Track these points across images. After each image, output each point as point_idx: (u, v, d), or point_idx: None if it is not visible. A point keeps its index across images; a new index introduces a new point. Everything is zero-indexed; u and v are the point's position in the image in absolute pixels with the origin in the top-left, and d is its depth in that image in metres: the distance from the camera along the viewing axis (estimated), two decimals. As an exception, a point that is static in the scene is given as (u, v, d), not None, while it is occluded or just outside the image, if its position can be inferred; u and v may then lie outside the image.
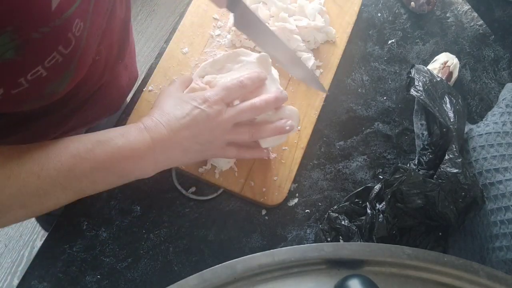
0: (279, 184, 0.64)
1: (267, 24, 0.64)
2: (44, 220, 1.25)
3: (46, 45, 0.42)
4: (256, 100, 0.56)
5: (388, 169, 0.67)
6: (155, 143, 0.51)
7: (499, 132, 0.61)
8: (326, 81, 0.70)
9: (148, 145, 0.51)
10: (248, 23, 0.59)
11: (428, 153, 0.62)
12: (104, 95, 0.65)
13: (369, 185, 0.63)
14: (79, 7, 0.43)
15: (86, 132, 0.82)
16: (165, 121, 0.52)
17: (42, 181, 0.46)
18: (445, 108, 0.63)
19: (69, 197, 0.49)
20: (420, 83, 0.64)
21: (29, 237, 1.47)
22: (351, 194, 0.64)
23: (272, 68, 0.61)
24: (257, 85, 0.57)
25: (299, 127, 0.67)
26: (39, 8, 0.38)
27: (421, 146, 0.65)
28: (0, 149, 0.45)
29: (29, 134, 0.58)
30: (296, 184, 0.66)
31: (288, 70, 0.66)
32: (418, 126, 0.68)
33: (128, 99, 0.71)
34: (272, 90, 0.58)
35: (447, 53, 0.73)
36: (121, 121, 0.67)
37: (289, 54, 0.63)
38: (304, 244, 0.62)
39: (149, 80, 0.68)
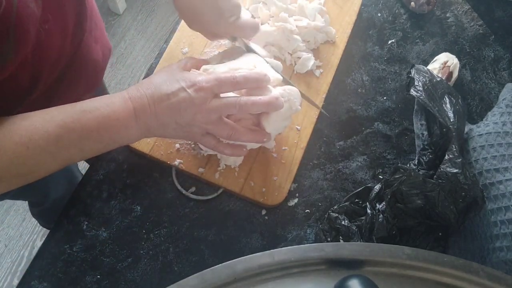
0: (279, 184, 0.64)
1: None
2: (43, 217, 1.25)
3: None
4: (243, 99, 0.55)
5: (388, 169, 0.67)
6: (137, 113, 0.52)
7: (499, 132, 0.61)
8: (326, 81, 0.70)
9: (131, 115, 0.52)
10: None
11: (428, 153, 0.62)
12: (79, 71, 0.65)
13: (369, 185, 0.63)
14: None
15: None
16: (150, 94, 0.53)
17: (31, 152, 0.48)
18: (445, 108, 0.63)
19: (59, 164, 0.51)
20: (420, 83, 0.64)
21: (29, 237, 1.47)
22: (351, 194, 0.64)
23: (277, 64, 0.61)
24: (253, 86, 0.56)
25: (299, 127, 0.67)
26: None
27: (421, 146, 0.65)
28: None
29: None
30: (296, 184, 0.66)
31: None
32: (418, 126, 0.68)
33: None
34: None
35: (447, 53, 0.73)
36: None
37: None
38: (304, 244, 0.62)
39: (149, 80, 0.68)
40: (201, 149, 0.64)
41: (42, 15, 0.50)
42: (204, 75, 0.55)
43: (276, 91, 0.57)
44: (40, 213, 1.22)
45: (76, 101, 0.52)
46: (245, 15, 0.62)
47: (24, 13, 0.46)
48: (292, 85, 0.59)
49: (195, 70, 0.58)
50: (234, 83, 0.55)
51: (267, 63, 0.60)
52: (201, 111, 0.54)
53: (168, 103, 0.53)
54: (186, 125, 0.55)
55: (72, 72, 0.63)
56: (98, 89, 0.77)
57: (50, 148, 0.49)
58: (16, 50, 0.48)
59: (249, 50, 0.63)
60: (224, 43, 0.71)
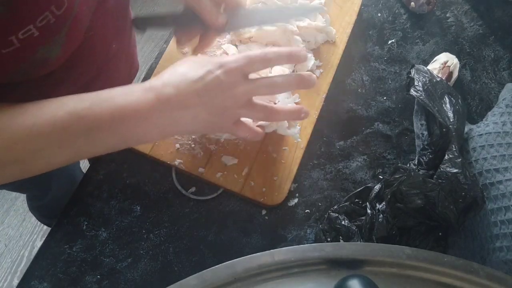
0: (279, 184, 0.64)
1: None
2: (40, 212, 1.25)
3: (39, 3, 0.41)
4: (278, 78, 0.51)
5: (388, 169, 0.67)
6: (161, 103, 0.47)
7: (499, 132, 0.61)
8: (326, 81, 0.70)
9: (153, 105, 0.47)
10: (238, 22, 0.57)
11: (428, 153, 0.62)
12: (105, 82, 0.64)
13: (369, 185, 0.63)
14: None
15: None
16: (175, 82, 0.48)
17: (34, 137, 0.43)
18: (444, 108, 0.63)
19: (66, 156, 0.46)
20: (420, 83, 0.64)
21: (29, 237, 1.47)
22: (351, 194, 0.64)
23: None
24: (287, 62, 0.53)
25: (299, 127, 0.67)
26: None
27: (421, 146, 0.65)
28: None
29: None
30: (296, 184, 0.66)
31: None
32: (418, 126, 0.68)
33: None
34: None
35: (447, 53, 0.73)
36: (121, 121, 0.67)
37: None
38: (304, 244, 0.62)
39: (149, 80, 0.68)
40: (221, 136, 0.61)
41: (89, 24, 0.51)
42: (229, 56, 0.51)
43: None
44: (38, 207, 1.22)
45: None
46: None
47: (79, 19, 0.47)
48: None
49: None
50: (265, 60, 0.50)
51: None
52: (232, 95, 0.49)
53: (195, 88, 0.47)
54: (216, 113, 0.49)
55: (96, 84, 0.62)
56: None
57: (55, 135, 0.44)
58: (64, 48, 0.47)
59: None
60: (223, 44, 0.71)
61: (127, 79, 0.71)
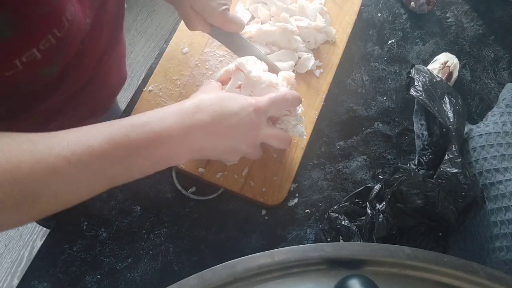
0: (279, 184, 0.64)
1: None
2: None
3: (42, 27, 0.42)
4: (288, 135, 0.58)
5: (388, 169, 0.67)
6: (194, 129, 0.49)
7: (499, 132, 0.61)
8: (326, 81, 0.70)
9: (187, 131, 0.48)
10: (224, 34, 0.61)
11: (428, 153, 0.62)
12: (94, 91, 0.65)
13: (369, 185, 0.63)
14: None
15: None
16: (210, 110, 0.50)
17: (73, 167, 0.42)
18: (444, 108, 0.63)
19: (102, 184, 0.46)
20: (420, 83, 0.64)
21: (29, 237, 1.47)
22: (351, 194, 0.64)
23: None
24: (295, 104, 0.57)
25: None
26: None
27: (421, 146, 0.65)
28: (26, 135, 0.42)
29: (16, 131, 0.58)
30: (296, 184, 0.66)
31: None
32: (418, 126, 0.68)
33: (128, 99, 0.71)
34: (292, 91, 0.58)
35: (447, 53, 0.73)
36: (121, 121, 0.67)
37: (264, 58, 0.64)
38: (304, 244, 0.62)
39: (149, 80, 0.68)
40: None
41: (83, 37, 0.52)
42: (257, 98, 0.54)
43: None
44: None
45: (85, 121, 0.49)
46: (242, 14, 0.62)
47: (77, 36, 0.48)
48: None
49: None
50: (284, 102, 0.55)
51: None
52: (257, 134, 0.54)
53: (229, 123, 0.50)
54: (240, 145, 0.53)
55: (85, 90, 0.62)
56: (108, 111, 0.77)
57: (94, 165, 0.43)
58: (60, 64, 0.48)
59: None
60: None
61: (116, 88, 0.74)
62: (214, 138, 0.51)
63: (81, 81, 0.60)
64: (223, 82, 0.60)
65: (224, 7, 0.59)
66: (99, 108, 0.72)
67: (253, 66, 0.59)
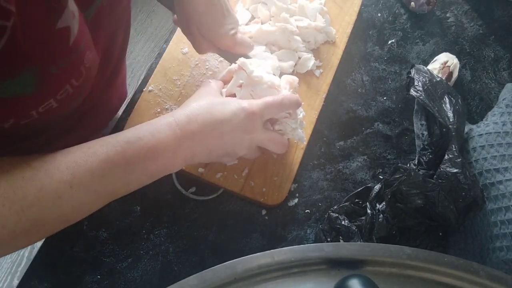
0: (279, 184, 0.64)
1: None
2: None
3: (61, 79, 0.42)
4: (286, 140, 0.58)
5: (388, 169, 0.67)
6: (186, 139, 0.50)
7: (499, 132, 0.61)
8: (326, 81, 0.70)
9: (180, 141, 0.50)
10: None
11: (428, 153, 0.62)
12: (94, 116, 0.66)
13: (369, 185, 0.63)
14: (87, 38, 0.44)
15: None
16: (200, 119, 0.51)
17: (75, 190, 0.44)
18: (444, 108, 0.63)
19: (103, 201, 0.48)
20: (420, 83, 0.64)
21: (29, 237, 1.47)
22: (351, 194, 0.63)
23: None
24: (294, 108, 0.57)
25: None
26: (59, 45, 0.39)
27: (421, 146, 0.65)
28: (25, 160, 0.43)
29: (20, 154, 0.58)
30: (296, 184, 0.66)
31: None
32: (418, 126, 0.68)
33: (128, 99, 0.71)
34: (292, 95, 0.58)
35: (447, 53, 0.73)
36: (121, 121, 0.66)
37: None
38: (304, 244, 0.62)
39: (149, 80, 0.68)
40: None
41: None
42: (251, 101, 0.54)
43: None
44: None
45: (83, 140, 0.50)
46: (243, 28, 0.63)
47: (91, 76, 0.48)
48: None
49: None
50: (280, 106, 0.55)
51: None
52: (251, 139, 0.54)
53: (221, 131, 0.51)
54: (233, 149, 0.54)
55: (85, 118, 0.63)
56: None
57: (94, 185, 0.45)
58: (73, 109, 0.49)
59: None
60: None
61: (115, 109, 0.75)
62: (207, 146, 0.52)
63: (83, 108, 0.60)
64: (226, 82, 0.60)
65: (232, 31, 0.60)
66: (101, 125, 0.73)
67: (257, 67, 0.59)
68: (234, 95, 0.58)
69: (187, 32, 0.62)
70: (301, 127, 0.61)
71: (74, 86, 0.44)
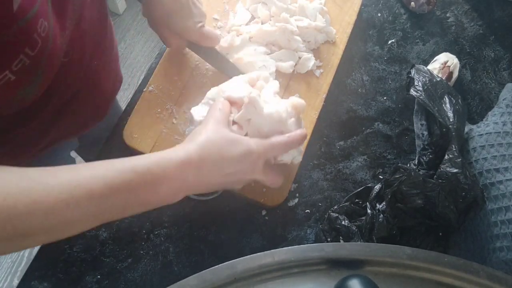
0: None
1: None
2: None
3: (12, 48, 0.41)
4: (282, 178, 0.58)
5: (388, 169, 0.67)
6: (193, 177, 0.50)
7: (499, 132, 0.61)
8: (326, 81, 0.70)
9: (186, 179, 0.49)
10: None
11: (428, 153, 0.62)
12: (85, 100, 0.64)
13: (369, 185, 0.63)
14: (41, 6, 0.42)
15: (79, 139, 0.82)
16: (212, 162, 0.51)
17: (70, 210, 0.42)
18: (444, 108, 0.63)
19: (96, 224, 0.46)
20: (420, 83, 0.64)
21: (29, 237, 1.47)
22: (351, 194, 0.63)
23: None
24: (298, 146, 0.57)
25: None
26: (0, 12, 0.38)
27: (421, 146, 0.65)
28: (25, 170, 0.43)
29: (10, 147, 0.57)
30: (296, 184, 0.65)
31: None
32: (418, 126, 0.68)
33: (128, 99, 0.71)
34: (298, 132, 0.57)
35: (447, 53, 0.73)
36: (122, 121, 0.66)
37: (237, 71, 0.66)
38: (304, 244, 0.62)
39: (149, 80, 0.68)
40: None
41: (65, 52, 0.51)
42: (257, 141, 0.54)
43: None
44: None
45: (82, 130, 0.48)
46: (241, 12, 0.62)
47: (55, 51, 0.47)
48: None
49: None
50: (286, 147, 0.56)
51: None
52: (251, 177, 0.55)
53: (227, 172, 0.52)
54: (232, 185, 0.55)
55: (75, 101, 0.62)
56: (109, 113, 0.77)
57: (91, 208, 0.43)
58: (41, 85, 0.47)
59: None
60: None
61: (111, 94, 0.74)
62: (210, 182, 0.52)
63: (69, 93, 0.60)
64: (233, 103, 0.58)
65: (200, 24, 0.62)
66: (96, 114, 0.72)
67: (265, 93, 0.58)
68: (240, 127, 0.57)
69: (157, 30, 0.63)
70: (299, 152, 0.60)
71: (30, 56, 0.43)
